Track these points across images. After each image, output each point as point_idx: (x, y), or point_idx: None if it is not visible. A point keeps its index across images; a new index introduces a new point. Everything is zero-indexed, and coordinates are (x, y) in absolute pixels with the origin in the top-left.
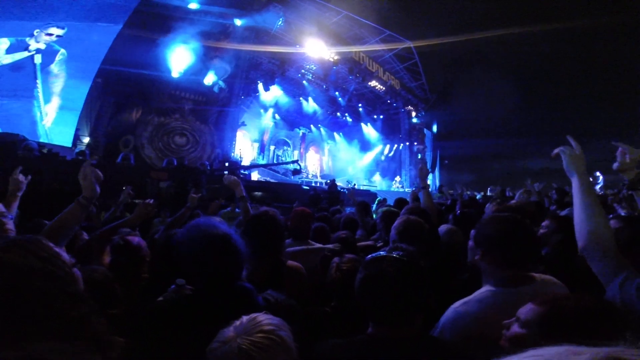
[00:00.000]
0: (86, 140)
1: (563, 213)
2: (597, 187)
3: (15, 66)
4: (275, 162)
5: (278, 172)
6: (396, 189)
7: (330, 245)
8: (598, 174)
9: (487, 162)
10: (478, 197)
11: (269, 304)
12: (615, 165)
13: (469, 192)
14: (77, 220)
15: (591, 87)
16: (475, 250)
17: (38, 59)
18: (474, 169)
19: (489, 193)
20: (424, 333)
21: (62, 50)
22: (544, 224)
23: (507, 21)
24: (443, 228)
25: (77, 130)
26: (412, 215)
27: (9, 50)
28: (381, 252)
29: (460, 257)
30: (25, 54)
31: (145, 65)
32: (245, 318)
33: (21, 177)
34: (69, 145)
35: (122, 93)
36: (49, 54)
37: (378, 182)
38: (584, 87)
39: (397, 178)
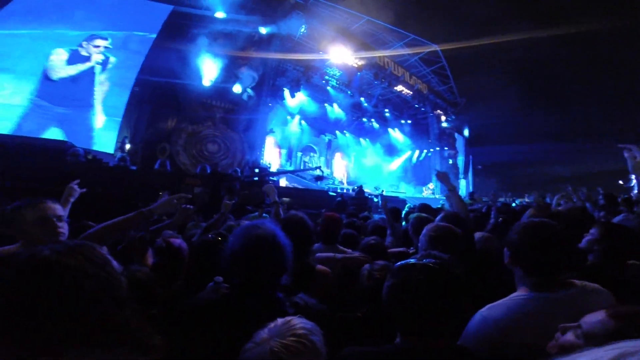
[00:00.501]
0: (127, 147)
1: (617, 219)
2: (634, 192)
3: (75, 77)
4: (301, 168)
5: (305, 179)
6: (428, 196)
7: (356, 253)
8: (632, 177)
9: (520, 168)
10: (514, 204)
11: (299, 308)
12: (630, 167)
13: (502, 199)
14: (133, 227)
15: (625, 91)
16: (509, 256)
17: (98, 69)
18: (507, 175)
19: (526, 200)
20: (453, 344)
21: (113, 59)
22: (591, 231)
23: (533, 22)
24: (477, 235)
25: (124, 137)
26: (442, 222)
27: (70, 61)
28: (411, 260)
29: (496, 265)
30: (88, 64)
31: (177, 75)
32: (280, 320)
33: (76, 186)
34: (111, 151)
35: (158, 102)
36: (104, 64)
37: (404, 190)
38: (617, 90)
39: (431, 185)
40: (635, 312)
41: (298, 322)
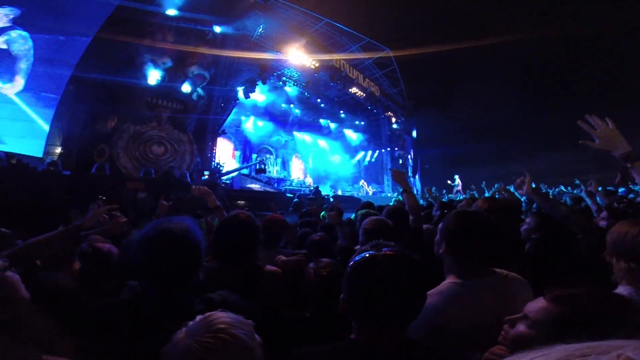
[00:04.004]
0: (57, 150)
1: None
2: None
3: None
4: (257, 170)
5: (261, 181)
6: (363, 194)
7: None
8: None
9: (468, 167)
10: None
11: (213, 305)
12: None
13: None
14: (59, 245)
15: (576, 90)
16: (440, 243)
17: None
18: (454, 173)
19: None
20: (407, 337)
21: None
22: (527, 220)
23: (484, 26)
24: (424, 227)
25: (47, 140)
26: (386, 216)
27: None
28: (368, 252)
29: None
30: None
31: (121, 73)
32: (199, 317)
33: None
34: (40, 155)
35: (96, 101)
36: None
37: (365, 188)
38: (568, 90)
39: (361, 182)
40: (570, 294)
41: (217, 316)
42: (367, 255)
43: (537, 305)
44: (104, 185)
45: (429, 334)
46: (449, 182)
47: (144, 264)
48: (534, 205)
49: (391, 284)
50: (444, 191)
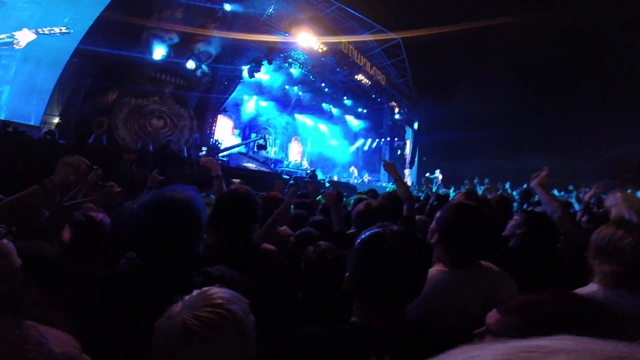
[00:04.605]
0: (55, 120)
1: (539, 208)
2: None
3: None
4: (255, 150)
5: (258, 160)
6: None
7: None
8: None
9: (465, 160)
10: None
11: (211, 278)
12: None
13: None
14: (37, 203)
15: (578, 86)
16: (434, 232)
17: None
18: (450, 167)
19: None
20: (408, 320)
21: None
22: (514, 217)
23: (491, 15)
24: (417, 218)
25: (46, 110)
26: (382, 201)
27: None
28: (375, 230)
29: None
30: None
31: (126, 46)
32: (196, 291)
33: None
34: (37, 124)
35: (99, 74)
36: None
37: (355, 174)
38: (569, 86)
39: (351, 168)
40: (522, 304)
41: (215, 291)
42: (375, 231)
43: (493, 316)
44: (100, 156)
45: (419, 318)
46: (427, 174)
47: (144, 232)
48: (525, 206)
49: (398, 260)
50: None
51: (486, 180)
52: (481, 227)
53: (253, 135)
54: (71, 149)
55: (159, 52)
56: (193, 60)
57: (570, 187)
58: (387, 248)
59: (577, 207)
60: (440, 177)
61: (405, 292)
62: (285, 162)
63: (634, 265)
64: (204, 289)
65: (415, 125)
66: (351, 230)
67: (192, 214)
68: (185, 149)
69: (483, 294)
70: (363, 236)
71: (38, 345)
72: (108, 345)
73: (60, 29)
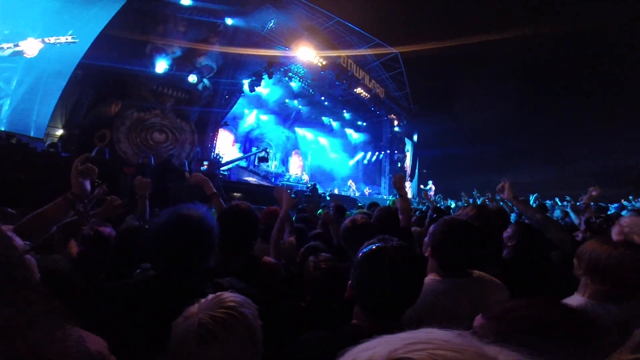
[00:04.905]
0: (59, 132)
1: None
2: None
3: None
4: (256, 164)
5: (259, 174)
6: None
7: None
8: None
9: (464, 173)
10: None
11: (221, 289)
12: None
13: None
14: (61, 216)
15: (577, 98)
16: (427, 246)
17: None
18: (449, 179)
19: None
20: (403, 324)
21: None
22: (508, 229)
23: (489, 29)
24: (414, 230)
25: (49, 122)
26: (379, 213)
27: None
28: (376, 244)
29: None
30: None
31: (130, 60)
32: (211, 295)
33: None
34: (41, 137)
35: (103, 86)
36: None
37: (352, 188)
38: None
39: (349, 182)
40: (503, 309)
41: (228, 295)
42: (377, 245)
43: (478, 322)
44: (103, 169)
45: (406, 323)
46: (421, 186)
47: (162, 247)
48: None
49: (397, 272)
50: (439, 196)
51: (488, 195)
52: (470, 240)
53: (254, 149)
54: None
55: (161, 65)
56: (195, 74)
57: (568, 198)
58: (387, 261)
59: (572, 216)
60: (433, 188)
61: (403, 300)
62: (286, 176)
63: (622, 284)
64: (218, 293)
65: (415, 138)
66: None
67: (205, 229)
68: (186, 163)
69: (472, 300)
70: (366, 249)
71: (77, 343)
72: (127, 349)
73: (67, 38)
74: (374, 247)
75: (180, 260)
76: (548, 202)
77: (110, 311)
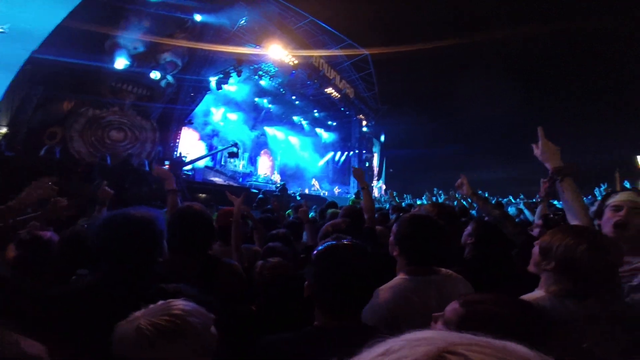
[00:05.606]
0: (3, 130)
1: None
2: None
3: None
4: (222, 164)
5: (225, 174)
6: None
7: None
8: None
9: (431, 172)
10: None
11: (166, 295)
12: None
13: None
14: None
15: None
16: (394, 246)
17: None
18: (416, 178)
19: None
20: (364, 323)
21: None
22: (468, 227)
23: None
24: (378, 229)
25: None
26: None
27: None
28: (329, 243)
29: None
30: None
31: (87, 55)
32: (160, 302)
33: None
34: None
35: (55, 82)
36: None
37: (316, 187)
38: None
39: (313, 181)
40: (476, 299)
41: (178, 303)
42: (328, 245)
43: (451, 305)
44: (52, 169)
45: (381, 322)
46: (382, 185)
47: (107, 248)
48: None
49: (347, 269)
50: (406, 195)
51: (450, 192)
52: (433, 233)
53: (220, 147)
54: (21, 161)
55: (121, 61)
56: (158, 70)
57: (522, 196)
58: (338, 259)
59: (527, 212)
60: (384, 187)
61: (356, 297)
62: (254, 176)
63: (587, 279)
64: (169, 300)
65: (382, 138)
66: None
67: (146, 227)
68: (146, 163)
69: (440, 297)
70: (319, 248)
71: (11, 345)
72: (68, 354)
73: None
74: (326, 245)
75: (122, 260)
76: (504, 200)
77: (51, 316)
